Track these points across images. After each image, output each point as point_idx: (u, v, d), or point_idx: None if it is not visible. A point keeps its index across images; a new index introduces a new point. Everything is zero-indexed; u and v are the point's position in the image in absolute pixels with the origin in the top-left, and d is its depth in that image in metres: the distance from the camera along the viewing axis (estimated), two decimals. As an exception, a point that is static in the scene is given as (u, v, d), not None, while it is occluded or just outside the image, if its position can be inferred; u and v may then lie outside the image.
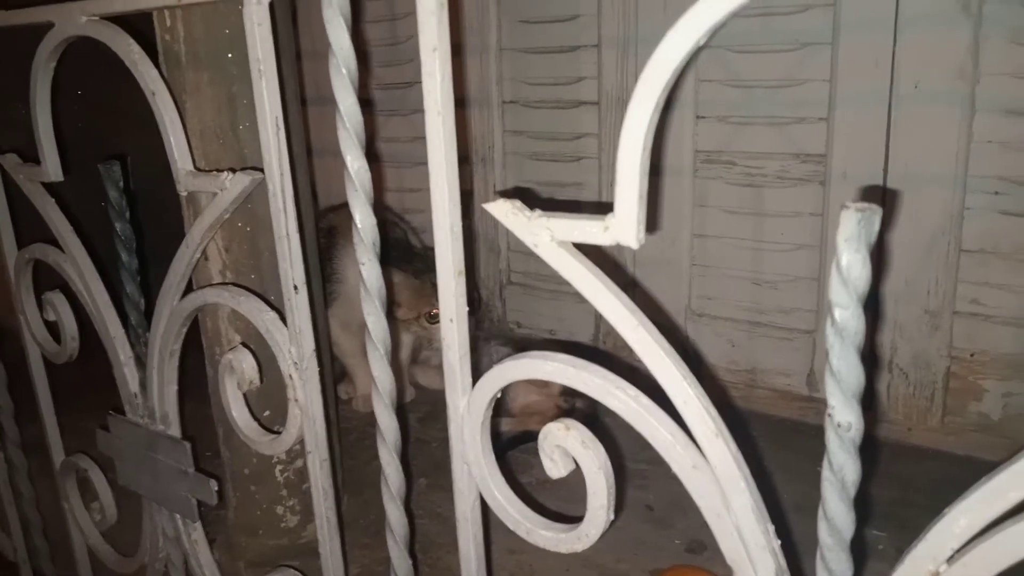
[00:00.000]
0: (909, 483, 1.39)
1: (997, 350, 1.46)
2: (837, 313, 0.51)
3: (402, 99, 2.08)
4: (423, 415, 1.77)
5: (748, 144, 1.62)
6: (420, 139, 2.11)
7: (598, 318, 1.91)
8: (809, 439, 1.62)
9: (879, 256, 1.45)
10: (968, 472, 1.50)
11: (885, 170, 1.46)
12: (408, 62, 2.02)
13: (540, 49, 1.85)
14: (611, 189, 1.71)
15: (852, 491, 0.55)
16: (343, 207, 1.86)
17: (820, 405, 1.64)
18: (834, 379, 0.52)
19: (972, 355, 1.48)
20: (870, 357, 1.58)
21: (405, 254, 1.75)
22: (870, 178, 1.48)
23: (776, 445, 1.58)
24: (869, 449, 1.56)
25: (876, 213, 0.49)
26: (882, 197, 1.47)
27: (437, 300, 1.60)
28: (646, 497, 1.37)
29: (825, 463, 0.55)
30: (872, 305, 1.55)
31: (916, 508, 1.29)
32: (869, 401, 1.62)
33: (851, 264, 0.50)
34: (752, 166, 1.63)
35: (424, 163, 2.12)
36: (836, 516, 0.55)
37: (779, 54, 1.54)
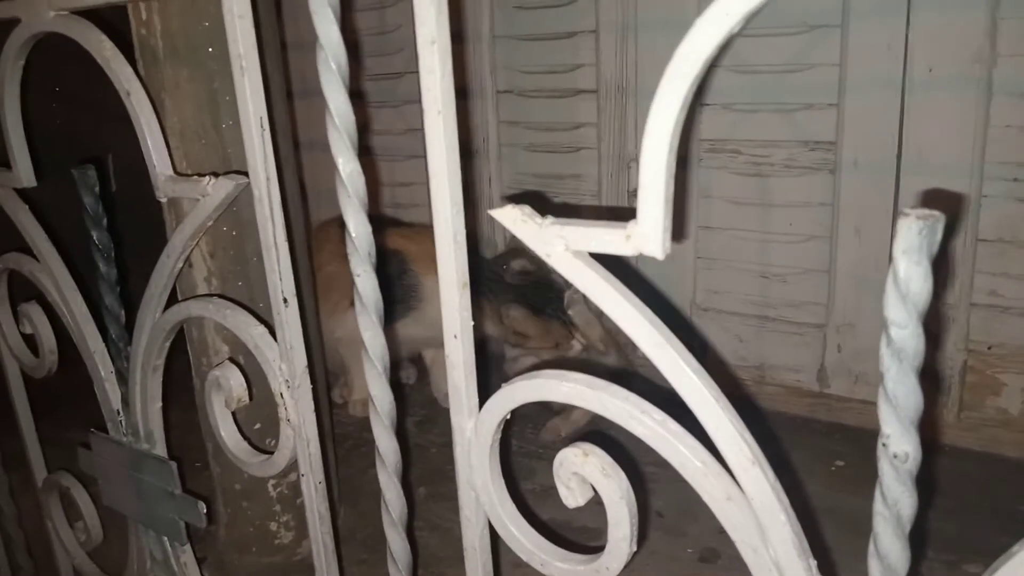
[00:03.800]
0: (925, 482, 1.34)
1: (1016, 342, 1.41)
2: (894, 332, 0.45)
3: (392, 90, 2.01)
4: (421, 419, 1.72)
5: (754, 132, 1.57)
6: (412, 131, 2.06)
7: (602, 317, 1.85)
8: (820, 436, 1.58)
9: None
10: (986, 469, 1.46)
11: (898, 157, 1.41)
12: (398, 51, 1.95)
13: (535, 36, 1.79)
14: (611, 180, 1.66)
15: (908, 526, 0.50)
16: (408, 227, 1.78)
17: (831, 401, 1.61)
18: (890, 405, 0.47)
19: (990, 348, 1.43)
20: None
21: (544, 293, 1.68)
22: (883, 166, 1.42)
23: (787, 443, 1.53)
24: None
25: (939, 221, 0.43)
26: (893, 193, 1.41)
27: (568, 331, 1.49)
28: (655, 503, 1.32)
29: (877, 496, 0.50)
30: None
31: (933, 509, 1.24)
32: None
33: (910, 278, 0.44)
34: (759, 155, 1.57)
35: (417, 156, 2.06)
36: (890, 554, 0.50)
37: (786, 37, 1.48)
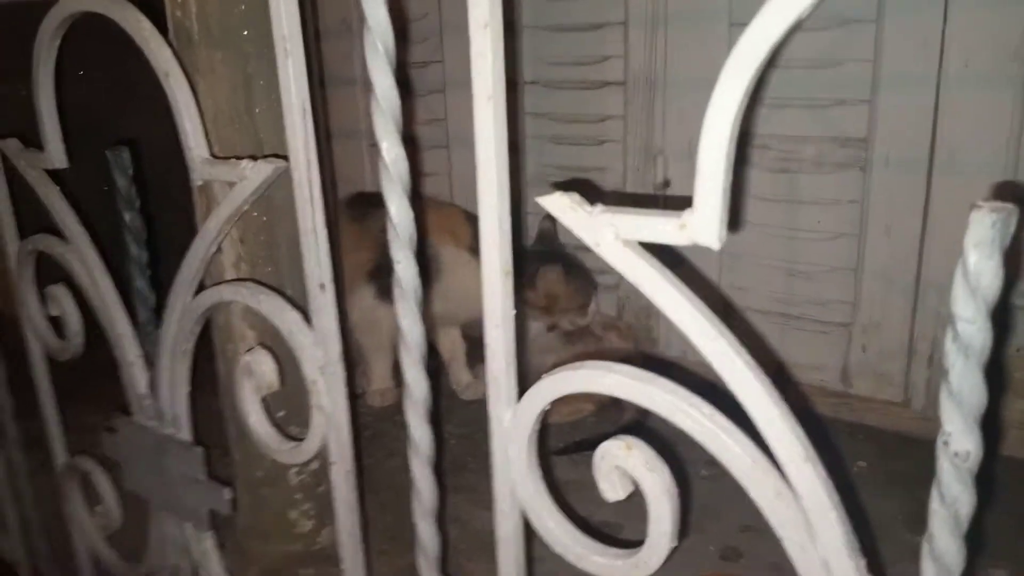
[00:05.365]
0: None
1: (1046, 345, 1.39)
2: (961, 327, 0.44)
3: (415, 80, 2.00)
4: (439, 409, 1.71)
5: (784, 127, 1.55)
6: (435, 121, 2.04)
7: (621, 307, 1.84)
8: (843, 436, 1.57)
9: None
10: (1014, 474, 1.44)
11: (931, 155, 1.39)
12: (423, 41, 1.94)
13: (563, 27, 1.77)
14: (636, 174, 1.64)
15: (965, 526, 0.49)
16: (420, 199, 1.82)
17: (855, 401, 1.60)
18: (953, 401, 0.46)
19: (1018, 350, 1.41)
20: (909, 350, 1.51)
21: (552, 246, 1.77)
22: (915, 164, 1.41)
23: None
24: (908, 448, 1.51)
25: (1013, 214, 0.42)
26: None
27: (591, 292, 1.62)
28: (679, 494, 1.31)
29: (934, 495, 0.49)
30: (914, 298, 1.48)
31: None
32: (908, 398, 1.55)
33: (981, 272, 0.43)
34: (787, 150, 1.56)
35: (439, 146, 2.04)
36: (946, 554, 0.49)
37: (819, 32, 1.46)
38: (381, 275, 1.60)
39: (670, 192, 1.70)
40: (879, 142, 1.45)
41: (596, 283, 1.75)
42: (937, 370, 1.47)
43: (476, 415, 1.51)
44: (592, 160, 1.81)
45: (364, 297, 1.66)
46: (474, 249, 1.63)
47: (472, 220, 1.74)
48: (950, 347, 0.45)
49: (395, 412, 1.52)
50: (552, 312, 1.70)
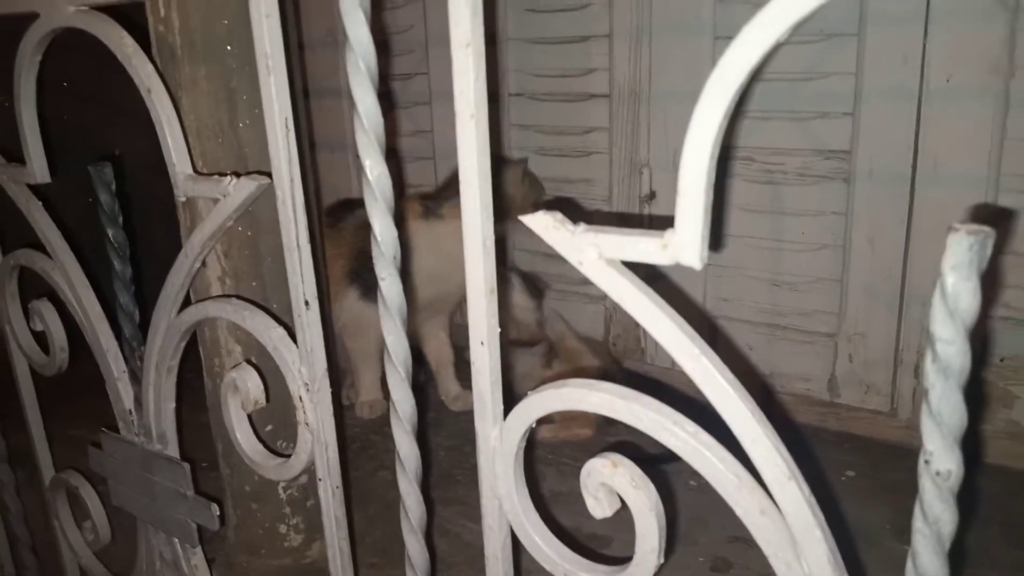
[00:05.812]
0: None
1: (1028, 355, 1.40)
2: (940, 348, 0.45)
3: (400, 91, 2.00)
4: (428, 421, 1.71)
5: (768, 140, 1.56)
6: (420, 133, 2.04)
7: (608, 319, 1.84)
8: (830, 446, 1.57)
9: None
10: (997, 482, 1.44)
11: (914, 167, 1.40)
12: (407, 53, 1.94)
13: (548, 39, 1.78)
14: (622, 185, 1.64)
15: (948, 544, 0.49)
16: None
17: (841, 411, 1.61)
18: (934, 422, 0.46)
19: (1001, 360, 1.42)
20: (895, 360, 1.52)
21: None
22: (898, 176, 1.42)
23: (795, 454, 1.52)
24: (896, 457, 1.52)
25: (989, 237, 0.43)
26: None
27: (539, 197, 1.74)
28: (665, 509, 1.31)
29: (917, 513, 0.49)
30: (898, 308, 1.49)
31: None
32: (894, 407, 1.56)
33: (959, 294, 0.43)
34: (772, 162, 1.57)
35: (425, 158, 2.04)
36: (929, 572, 0.49)
37: (801, 45, 1.47)
38: (361, 276, 1.61)
39: (656, 203, 1.70)
40: (862, 154, 1.45)
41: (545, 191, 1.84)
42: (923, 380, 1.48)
43: (465, 426, 1.51)
44: (578, 172, 1.82)
45: (350, 299, 1.66)
46: (425, 212, 1.65)
47: (421, 195, 1.76)
48: (929, 368, 0.45)
49: (384, 424, 1.52)
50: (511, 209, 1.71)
